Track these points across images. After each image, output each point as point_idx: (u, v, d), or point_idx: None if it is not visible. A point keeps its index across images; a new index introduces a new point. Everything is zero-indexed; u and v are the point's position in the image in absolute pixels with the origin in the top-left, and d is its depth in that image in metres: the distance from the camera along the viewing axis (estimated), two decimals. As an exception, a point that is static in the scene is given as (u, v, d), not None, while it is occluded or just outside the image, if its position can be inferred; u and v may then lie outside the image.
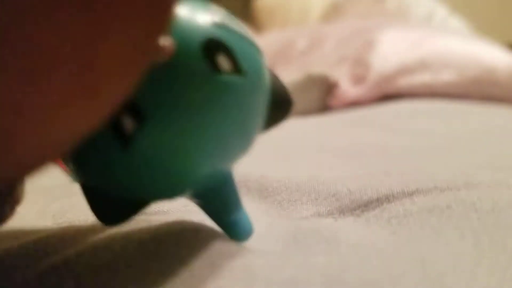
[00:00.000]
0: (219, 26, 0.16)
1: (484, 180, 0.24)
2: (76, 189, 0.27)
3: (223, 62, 0.16)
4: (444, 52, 0.79)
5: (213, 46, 0.16)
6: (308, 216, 0.24)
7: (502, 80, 0.79)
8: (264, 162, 0.33)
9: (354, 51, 0.81)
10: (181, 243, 0.18)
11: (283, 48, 0.94)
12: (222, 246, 0.18)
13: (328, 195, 0.25)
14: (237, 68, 0.16)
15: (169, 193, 0.17)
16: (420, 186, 0.24)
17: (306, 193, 0.26)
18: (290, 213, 0.24)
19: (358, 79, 0.75)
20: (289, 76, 0.78)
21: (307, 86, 0.74)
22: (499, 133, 0.46)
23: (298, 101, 0.75)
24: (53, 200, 0.26)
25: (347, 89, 0.74)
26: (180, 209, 0.24)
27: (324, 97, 0.75)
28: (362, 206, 0.24)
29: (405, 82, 0.75)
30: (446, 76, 0.76)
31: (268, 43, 1.00)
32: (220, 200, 0.18)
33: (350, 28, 0.91)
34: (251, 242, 0.20)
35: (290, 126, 0.51)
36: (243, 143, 0.17)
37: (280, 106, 0.19)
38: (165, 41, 0.15)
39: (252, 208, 0.25)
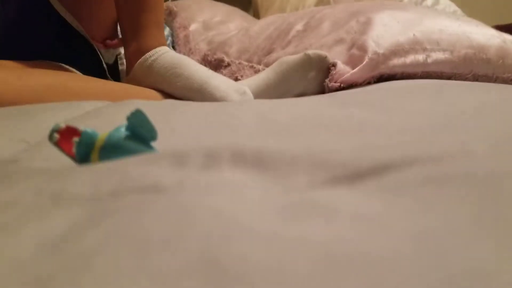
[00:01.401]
0: None
1: (480, 149, 0.24)
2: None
3: None
4: (437, 32, 0.79)
5: None
6: (304, 187, 0.24)
7: (494, 59, 0.80)
8: (260, 137, 0.33)
9: (350, 33, 0.81)
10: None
11: (281, 30, 0.94)
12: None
13: (323, 165, 0.25)
14: None
15: None
16: (417, 156, 0.24)
17: (301, 164, 0.25)
18: (285, 184, 0.24)
19: (355, 60, 0.75)
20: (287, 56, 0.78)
21: (306, 66, 0.74)
22: (494, 109, 0.46)
23: (297, 81, 0.75)
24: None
25: (344, 70, 0.73)
26: (175, 188, 0.23)
27: (322, 77, 0.74)
28: (357, 176, 0.23)
29: (399, 62, 0.75)
30: (438, 56, 0.77)
31: (266, 25, 0.99)
32: None
33: (346, 10, 0.91)
34: (246, 210, 0.20)
35: (287, 105, 0.50)
36: None
37: None
38: None
39: (247, 179, 0.25)
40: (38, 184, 0.24)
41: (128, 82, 0.77)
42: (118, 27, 0.87)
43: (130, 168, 0.25)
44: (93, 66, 0.87)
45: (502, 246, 0.17)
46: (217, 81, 0.71)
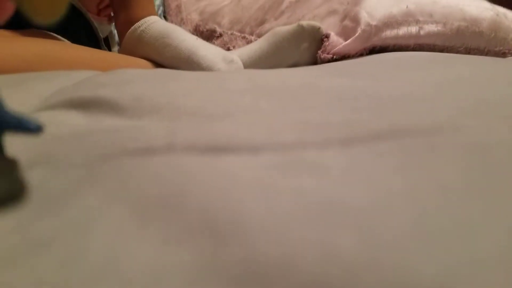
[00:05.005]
0: None
1: (469, 120, 0.25)
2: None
3: None
4: (430, 4, 0.79)
5: None
6: (294, 147, 0.24)
7: (486, 32, 0.80)
8: (252, 99, 0.33)
9: (343, 3, 0.80)
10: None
11: (274, 0, 0.93)
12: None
13: (314, 127, 0.25)
14: None
15: None
16: (408, 125, 0.24)
17: (292, 123, 0.26)
18: (274, 142, 0.24)
19: (347, 32, 0.74)
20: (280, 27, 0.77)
21: (299, 37, 0.74)
22: (485, 81, 0.46)
23: (289, 52, 0.74)
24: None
25: (337, 41, 0.73)
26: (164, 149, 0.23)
27: (315, 49, 0.74)
28: (348, 140, 0.24)
29: (392, 34, 0.75)
30: (431, 28, 0.76)
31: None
32: None
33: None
34: (241, 165, 0.20)
35: (280, 74, 0.50)
36: None
37: None
38: None
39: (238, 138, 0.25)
40: (30, 152, 0.25)
41: (120, 53, 0.77)
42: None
43: (119, 131, 0.25)
44: (86, 36, 0.86)
45: (489, 204, 0.17)
46: (204, 51, 0.72)
